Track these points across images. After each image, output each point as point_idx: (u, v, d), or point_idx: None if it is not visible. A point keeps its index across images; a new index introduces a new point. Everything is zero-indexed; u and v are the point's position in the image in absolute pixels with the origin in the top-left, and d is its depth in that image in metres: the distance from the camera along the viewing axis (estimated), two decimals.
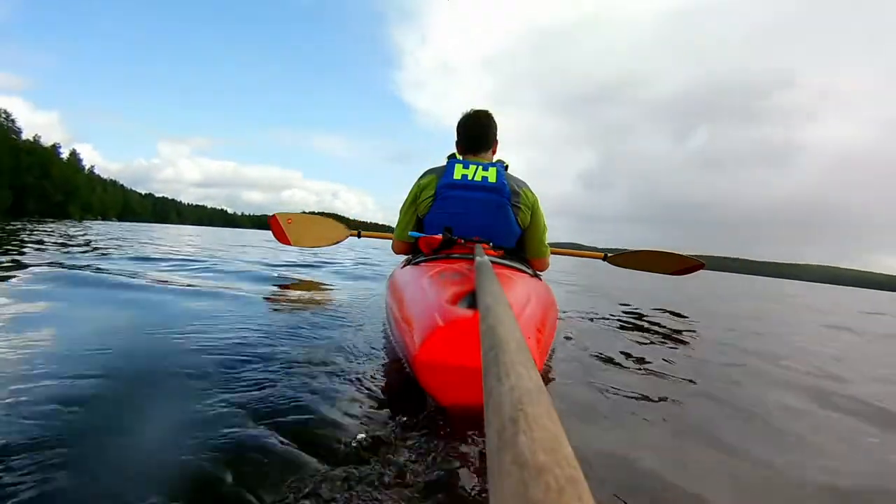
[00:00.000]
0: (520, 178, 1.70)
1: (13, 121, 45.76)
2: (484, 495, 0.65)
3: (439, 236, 1.52)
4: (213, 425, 0.76)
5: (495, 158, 1.81)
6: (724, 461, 0.91)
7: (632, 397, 1.22)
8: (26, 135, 50.59)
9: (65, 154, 60.69)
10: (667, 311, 3.49)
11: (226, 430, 0.74)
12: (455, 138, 1.80)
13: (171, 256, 4.06)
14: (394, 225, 1.87)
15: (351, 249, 8.11)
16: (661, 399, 1.25)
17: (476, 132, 1.75)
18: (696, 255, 3.30)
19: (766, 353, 2.17)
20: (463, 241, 1.54)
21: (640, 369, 1.55)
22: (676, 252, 3.29)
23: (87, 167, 72.58)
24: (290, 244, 3.42)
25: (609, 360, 1.61)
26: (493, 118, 1.77)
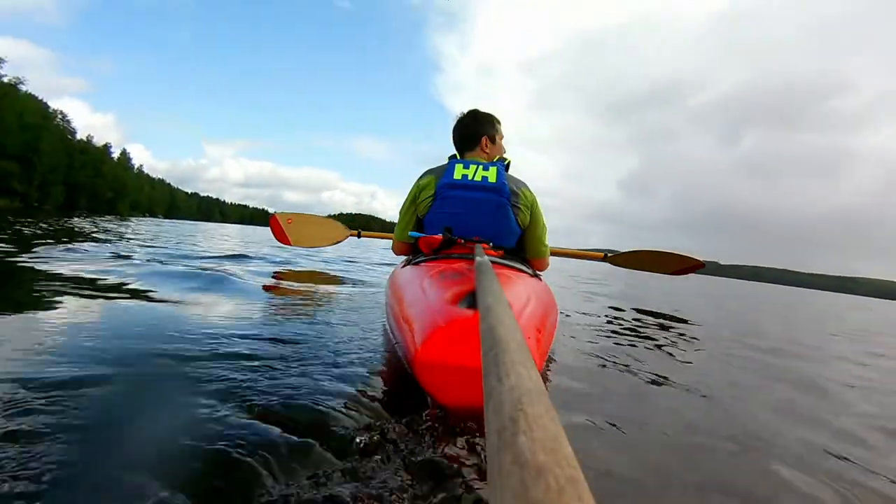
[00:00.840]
0: (520, 178, 1.70)
1: (69, 121, 48.28)
2: (484, 495, 0.65)
3: (439, 236, 1.52)
4: (208, 425, 0.75)
5: (496, 158, 1.81)
6: (723, 465, 0.91)
7: (633, 398, 1.22)
8: (81, 135, 53.21)
9: (115, 153, 63.76)
10: (677, 319, 3.48)
11: (221, 431, 0.74)
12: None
13: (202, 253, 4.07)
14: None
15: (355, 248, 8.11)
16: (661, 400, 1.25)
17: (462, 132, 1.81)
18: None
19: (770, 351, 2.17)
20: (463, 241, 1.55)
21: (645, 371, 1.55)
22: (676, 252, 3.29)
23: (136, 166, 75.82)
24: (290, 244, 3.42)
25: (612, 362, 1.61)
26: (480, 116, 1.82)
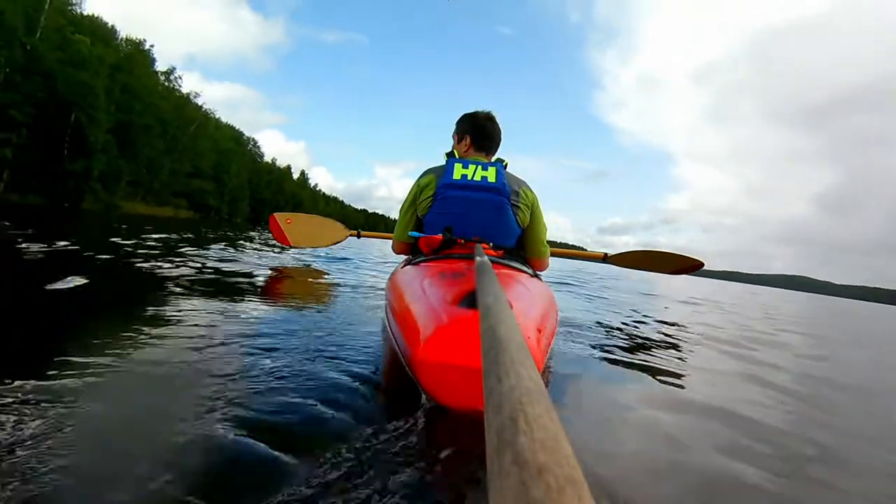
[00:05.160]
0: (520, 177, 1.70)
1: (259, 147, 59.13)
2: (484, 495, 0.65)
3: (439, 236, 1.52)
4: (206, 427, 0.75)
5: (494, 158, 1.82)
6: (722, 469, 0.91)
7: (633, 400, 1.22)
8: (281, 162, 66.22)
9: (296, 174, 75.50)
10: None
11: (219, 433, 0.74)
12: (457, 134, 1.81)
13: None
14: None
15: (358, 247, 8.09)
16: (662, 401, 1.25)
17: (492, 133, 1.78)
18: None
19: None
20: (463, 241, 1.55)
21: (651, 376, 1.55)
22: (676, 252, 3.32)
23: (313, 185, 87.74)
24: (289, 244, 3.41)
25: (613, 361, 1.62)
26: (498, 123, 1.81)
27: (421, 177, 1.73)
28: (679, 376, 1.53)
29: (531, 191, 1.70)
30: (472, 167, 1.62)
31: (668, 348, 2.05)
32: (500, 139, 1.81)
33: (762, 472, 0.87)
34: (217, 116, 45.15)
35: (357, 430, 0.79)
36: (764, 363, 2.02)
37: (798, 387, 1.67)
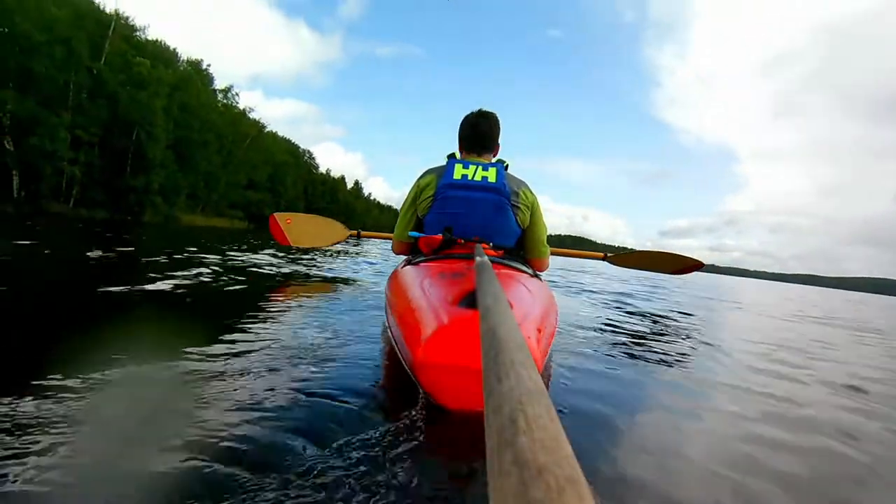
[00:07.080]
0: (520, 177, 1.70)
1: (314, 158, 61.66)
2: (484, 495, 0.65)
3: (439, 236, 1.52)
4: (205, 428, 0.75)
5: (495, 159, 1.81)
6: (725, 468, 0.91)
7: (635, 400, 1.22)
8: (335, 172, 68.64)
9: (352, 185, 79.49)
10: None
11: (219, 433, 0.74)
12: (459, 137, 1.81)
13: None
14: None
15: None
16: (664, 401, 1.25)
17: (484, 132, 1.74)
18: None
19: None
20: (463, 241, 1.55)
21: (649, 373, 1.55)
22: (676, 252, 3.34)
23: (367, 194, 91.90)
24: (289, 244, 3.41)
25: (615, 361, 1.61)
26: (496, 121, 1.78)
27: (421, 177, 1.72)
28: (680, 375, 1.53)
29: (531, 191, 1.70)
30: (472, 167, 1.62)
31: (675, 347, 2.05)
32: (492, 137, 1.75)
33: (769, 473, 0.87)
34: (273, 130, 46.44)
35: (357, 431, 0.79)
36: (775, 361, 2.03)
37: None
